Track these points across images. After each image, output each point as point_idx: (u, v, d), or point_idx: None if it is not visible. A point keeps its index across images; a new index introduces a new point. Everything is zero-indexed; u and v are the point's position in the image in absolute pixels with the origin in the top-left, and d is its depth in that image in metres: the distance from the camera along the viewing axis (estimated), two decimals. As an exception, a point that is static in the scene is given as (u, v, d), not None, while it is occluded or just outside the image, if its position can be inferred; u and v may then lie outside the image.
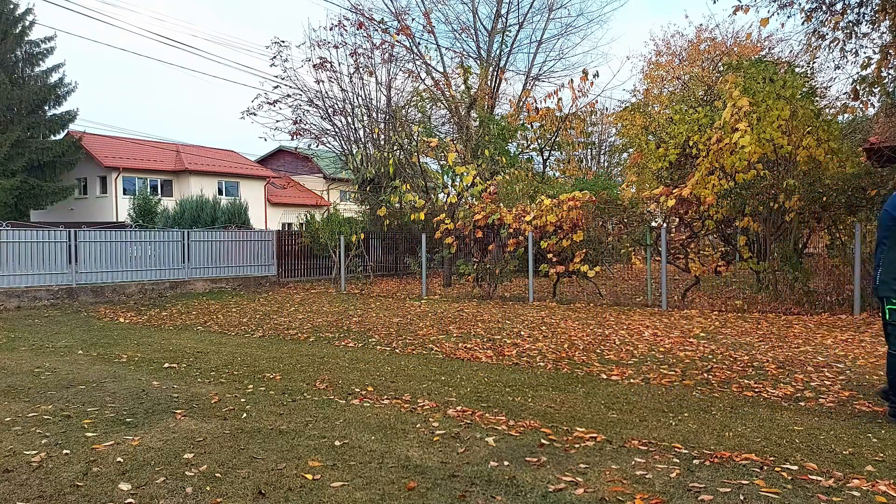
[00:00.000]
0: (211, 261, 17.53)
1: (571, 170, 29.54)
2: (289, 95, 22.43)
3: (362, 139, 22.79)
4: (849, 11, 11.11)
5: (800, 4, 11.50)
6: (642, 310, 11.83)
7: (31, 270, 14.13)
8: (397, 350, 7.98)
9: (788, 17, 13.67)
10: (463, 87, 21.64)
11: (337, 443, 4.20)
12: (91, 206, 31.92)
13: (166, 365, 7.05)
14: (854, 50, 11.41)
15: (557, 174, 28.76)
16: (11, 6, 27.92)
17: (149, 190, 30.99)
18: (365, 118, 22.35)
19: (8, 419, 4.84)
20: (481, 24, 25.46)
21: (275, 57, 21.90)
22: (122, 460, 3.89)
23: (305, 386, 5.94)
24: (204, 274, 17.33)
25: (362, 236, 19.64)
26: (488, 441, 4.22)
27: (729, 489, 3.37)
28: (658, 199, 12.98)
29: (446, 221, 16.00)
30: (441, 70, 22.48)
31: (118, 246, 15.70)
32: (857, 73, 10.90)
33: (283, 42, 22.01)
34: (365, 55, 21.61)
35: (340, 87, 22.18)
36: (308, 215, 21.16)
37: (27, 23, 28.55)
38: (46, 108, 29.34)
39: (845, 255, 11.24)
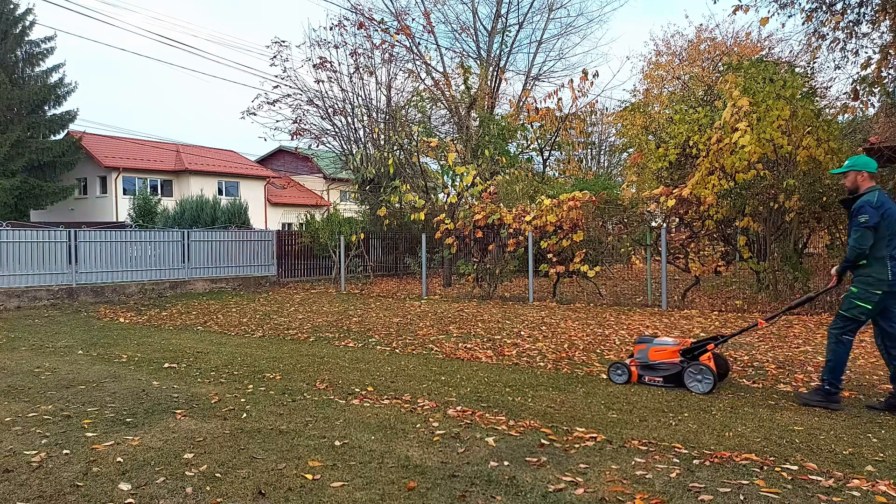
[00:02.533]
0: (211, 261, 17.53)
1: (571, 170, 29.52)
2: (289, 95, 22.45)
3: (362, 139, 22.79)
4: (849, 11, 11.10)
5: (800, 4, 11.50)
6: (642, 310, 11.83)
7: (31, 270, 14.13)
8: (397, 350, 7.98)
9: (788, 17, 13.66)
10: (463, 87, 21.64)
11: (337, 443, 4.20)
12: (91, 206, 31.93)
13: (166, 365, 7.05)
14: (854, 50, 11.40)
15: (557, 174, 28.74)
16: (11, 6, 27.93)
17: (149, 190, 31.00)
18: (365, 118, 22.35)
19: (8, 419, 4.84)
20: (481, 24, 25.50)
21: (275, 57, 21.93)
22: (122, 460, 3.89)
23: (305, 386, 5.94)
24: (204, 274, 17.33)
25: (362, 236, 19.64)
26: (488, 441, 4.22)
27: (729, 489, 3.37)
28: (658, 199, 12.98)
29: (446, 221, 16.00)
30: (441, 70, 22.50)
31: (118, 246, 15.71)
32: (857, 73, 10.90)
33: (283, 42, 22.04)
34: (365, 55, 21.63)
35: (340, 87, 22.21)
36: (308, 215, 21.16)
37: (27, 23, 28.55)
38: (46, 108, 29.35)
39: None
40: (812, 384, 5.79)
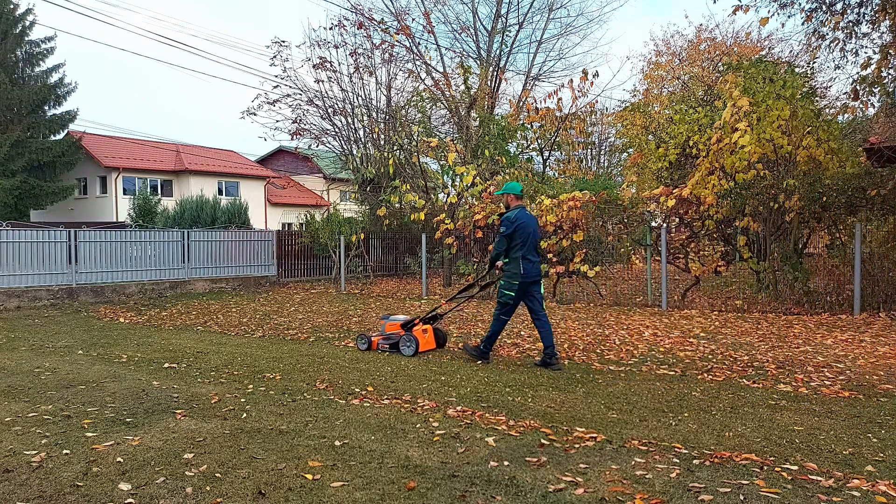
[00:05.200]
0: (211, 261, 17.52)
1: (571, 170, 29.52)
2: (289, 95, 22.43)
3: (362, 139, 22.78)
4: (849, 11, 11.09)
5: (800, 4, 11.48)
6: (642, 310, 11.83)
7: (31, 270, 14.13)
8: (397, 350, 7.97)
9: (788, 17, 13.67)
10: (463, 87, 21.63)
11: (337, 443, 4.20)
12: (91, 206, 31.93)
13: (166, 365, 7.05)
14: (854, 50, 11.39)
15: (557, 174, 28.74)
16: (11, 6, 27.93)
17: (149, 190, 31.01)
18: (365, 118, 22.34)
19: (8, 419, 4.84)
20: (481, 24, 25.51)
21: (275, 57, 21.90)
22: (122, 460, 3.89)
23: (305, 386, 5.93)
24: (204, 274, 17.32)
25: (362, 236, 19.62)
26: (488, 441, 4.22)
27: (729, 489, 3.37)
28: (658, 199, 12.97)
29: (446, 221, 16.00)
30: (441, 70, 22.50)
31: (118, 246, 15.70)
32: (857, 73, 10.88)
33: (283, 42, 22.01)
34: (365, 55, 21.62)
35: (340, 87, 22.19)
36: (308, 215, 21.15)
37: (27, 23, 28.57)
38: (46, 108, 29.36)
39: (845, 255, 11.24)
40: (813, 384, 5.81)
